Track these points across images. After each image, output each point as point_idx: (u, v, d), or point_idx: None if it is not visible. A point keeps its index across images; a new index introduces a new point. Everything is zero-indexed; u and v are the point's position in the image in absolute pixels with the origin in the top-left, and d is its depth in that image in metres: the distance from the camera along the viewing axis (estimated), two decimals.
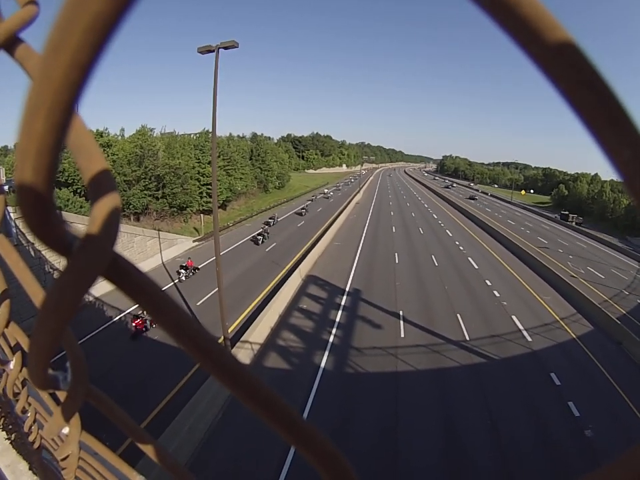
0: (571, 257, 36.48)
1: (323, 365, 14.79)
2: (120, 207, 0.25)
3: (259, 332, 15.86)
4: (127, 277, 0.25)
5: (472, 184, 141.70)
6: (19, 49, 0.28)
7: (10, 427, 1.50)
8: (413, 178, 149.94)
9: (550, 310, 21.62)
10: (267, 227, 37.14)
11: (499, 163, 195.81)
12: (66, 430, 0.83)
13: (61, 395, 0.51)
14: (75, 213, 23.90)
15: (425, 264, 28.93)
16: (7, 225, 15.73)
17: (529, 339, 17.88)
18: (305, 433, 0.29)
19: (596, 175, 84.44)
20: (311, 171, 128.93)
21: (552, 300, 23.29)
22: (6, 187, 17.45)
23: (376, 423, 11.76)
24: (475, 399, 13.27)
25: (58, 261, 18.34)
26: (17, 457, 1.41)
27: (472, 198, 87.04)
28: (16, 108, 0.18)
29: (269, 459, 10.16)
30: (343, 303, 20.59)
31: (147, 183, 33.12)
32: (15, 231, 16.57)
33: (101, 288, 17.53)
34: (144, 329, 16.06)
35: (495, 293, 23.59)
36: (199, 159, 39.78)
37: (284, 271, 25.14)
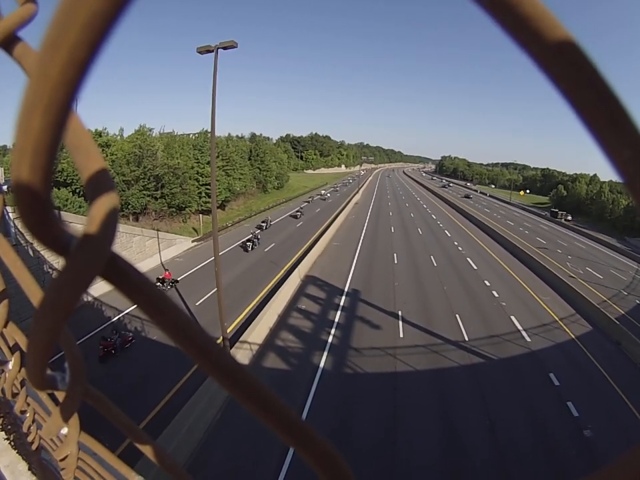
0: (569, 257, 36.54)
1: (321, 365, 14.78)
2: (118, 207, 0.25)
3: (258, 332, 15.85)
4: (125, 277, 0.24)
5: (469, 184, 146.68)
6: (17, 47, 0.28)
7: (9, 427, 1.50)
8: (412, 178, 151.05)
9: (549, 310, 21.65)
10: (258, 230, 34.39)
11: (498, 163, 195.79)
12: (65, 430, 0.83)
13: (60, 395, 0.51)
14: (74, 213, 23.84)
15: (423, 264, 28.95)
16: (5, 224, 15.71)
17: (528, 339, 17.90)
18: (303, 434, 0.29)
19: (595, 175, 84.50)
20: (309, 171, 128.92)
21: (551, 300, 23.32)
22: (5, 187, 17.39)
23: (375, 423, 11.76)
24: (473, 399, 13.28)
25: (57, 261, 18.30)
26: (16, 457, 1.41)
27: (467, 196, 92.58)
28: (15, 107, 0.18)
29: (268, 459, 10.15)
30: (341, 303, 20.58)
31: (145, 182, 33.06)
32: (13, 231, 16.55)
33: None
34: (113, 351, 14.52)
35: (494, 293, 23.61)
36: (197, 159, 39.74)
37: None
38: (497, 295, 23.22)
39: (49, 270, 18.70)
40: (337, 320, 18.59)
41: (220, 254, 15.32)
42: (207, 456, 10.29)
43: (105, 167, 0.25)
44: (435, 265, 29.08)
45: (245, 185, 49.81)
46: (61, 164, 27.46)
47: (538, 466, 10.63)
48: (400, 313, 19.70)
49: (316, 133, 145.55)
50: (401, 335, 17.44)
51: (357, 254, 30.54)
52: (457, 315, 19.82)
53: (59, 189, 27.02)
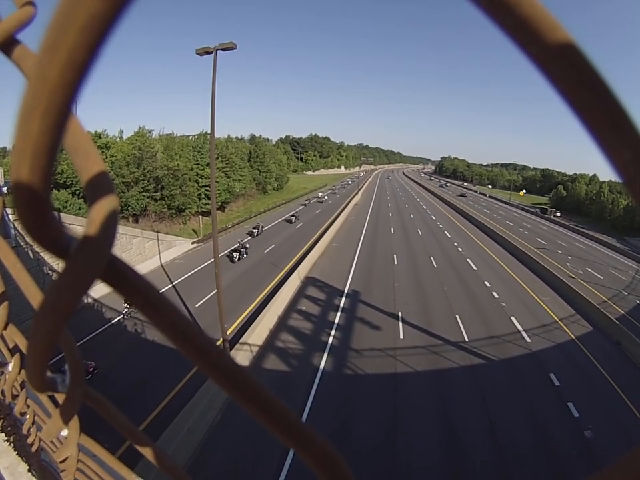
0: (569, 257, 36.55)
1: (322, 366, 14.76)
2: (118, 209, 0.25)
3: (258, 334, 15.83)
4: (124, 279, 0.24)
5: (466, 184, 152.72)
6: (16, 49, 0.28)
7: (9, 428, 1.50)
8: (411, 179, 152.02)
9: (549, 311, 21.64)
10: (248, 238, 32.31)
11: (498, 164, 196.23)
12: (65, 432, 0.83)
13: (60, 397, 0.51)
14: (74, 215, 23.85)
15: (423, 265, 28.94)
16: (5, 226, 15.70)
17: (528, 339, 17.88)
18: (303, 435, 0.29)
19: (594, 175, 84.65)
20: (309, 172, 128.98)
21: (551, 301, 23.32)
22: (5, 189, 17.36)
23: (375, 425, 11.74)
24: (474, 400, 13.26)
25: (56, 263, 18.28)
26: (16, 458, 1.41)
27: (462, 195, 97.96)
28: (14, 109, 0.19)
29: (268, 460, 10.13)
30: (341, 304, 20.56)
31: (145, 184, 33.06)
32: (13, 233, 16.53)
33: None
34: (89, 376, 12.89)
35: (494, 294, 23.60)
36: (197, 160, 39.75)
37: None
38: (497, 296, 23.21)
39: (49, 272, 18.69)
40: (337, 321, 18.57)
41: (220, 255, 15.27)
42: (207, 457, 10.28)
43: (105, 169, 0.25)
44: (435, 265, 29.07)
45: (245, 187, 49.83)
46: (60, 165, 27.47)
47: (538, 467, 10.60)
48: (400, 313, 19.68)
49: (315, 134, 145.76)
50: (401, 336, 17.43)
51: (356, 255, 30.52)
52: (457, 316, 19.81)
53: (58, 190, 27.03)
